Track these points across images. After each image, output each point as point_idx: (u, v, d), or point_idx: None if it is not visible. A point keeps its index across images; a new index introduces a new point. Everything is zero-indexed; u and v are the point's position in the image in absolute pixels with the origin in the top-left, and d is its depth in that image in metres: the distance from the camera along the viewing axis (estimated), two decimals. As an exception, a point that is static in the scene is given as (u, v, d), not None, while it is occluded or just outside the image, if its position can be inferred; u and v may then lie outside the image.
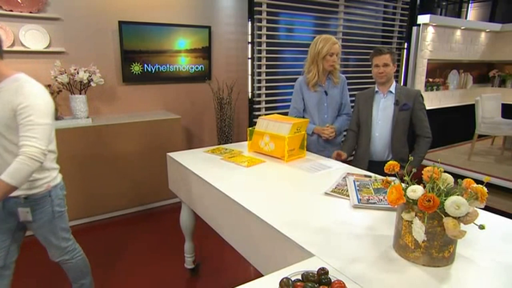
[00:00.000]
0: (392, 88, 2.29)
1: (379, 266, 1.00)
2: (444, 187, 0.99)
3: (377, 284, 0.92)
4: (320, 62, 2.34)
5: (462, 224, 0.93)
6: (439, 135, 5.26)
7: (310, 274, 0.89)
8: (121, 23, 3.13)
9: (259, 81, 3.96)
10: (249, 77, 3.89)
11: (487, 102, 4.54)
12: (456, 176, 1.02)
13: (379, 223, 1.27)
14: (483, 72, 6.13)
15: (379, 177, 1.70)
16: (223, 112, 3.71)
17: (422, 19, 4.79)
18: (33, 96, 1.44)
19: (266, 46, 3.87)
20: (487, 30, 5.74)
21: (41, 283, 2.26)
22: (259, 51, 3.85)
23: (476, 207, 0.96)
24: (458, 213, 0.91)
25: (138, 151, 3.14)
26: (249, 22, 3.72)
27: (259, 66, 3.88)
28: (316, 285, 0.85)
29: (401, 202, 0.99)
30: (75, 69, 2.84)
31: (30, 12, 2.77)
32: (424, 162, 2.29)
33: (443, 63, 5.38)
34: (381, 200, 1.43)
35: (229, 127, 3.76)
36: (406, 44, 4.99)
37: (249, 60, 3.83)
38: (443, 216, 0.93)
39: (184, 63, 3.55)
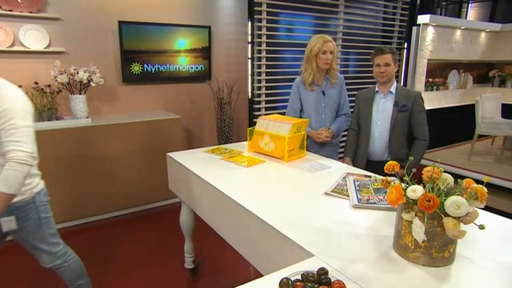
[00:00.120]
0: (393, 89, 2.29)
1: (379, 266, 1.00)
2: (444, 187, 0.99)
3: (377, 284, 0.92)
4: (313, 60, 2.35)
5: (462, 224, 0.93)
6: (439, 135, 5.28)
7: (310, 274, 0.89)
8: (121, 23, 3.13)
9: (259, 81, 3.96)
10: (249, 77, 3.89)
11: (487, 102, 4.55)
12: (456, 176, 1.02)
13: (379, 223, 1.27)
14: (483, 72, 6.13)
15: (379, 177, 1.70)
16: (223, 112, 3.71)
17: (422, 19, 4.79)
18: (10, 99, 1.36)
19: (266, 46, 3.87)
20: (487, 30, 5.74)
21: (34, 285, 2.26)
22: (259, 51, 3.85)
23: (476, 207, 0.96)
24: (458, 213, 0.91)
25: (138, 151, 3.14)
26: (249, 22, 3.72)
27: (259, 66, 3.88)
28: (315, 285, 0.85)
29: (401, 202, 0.99)
30: (75, 69, 2.84)
31: (30, 12, 2.77)
32: (424, 162, 2.29)
33: (443, 63, 5.38)
34: (381, 200, 1.43)
35: (229, 127, 3.76)
36: (406, 44, 4.99)
37: (249, 60, 3.83)
38: (443, 216, 0.93)
39: (184, 63, 3.55)
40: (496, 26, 5.71)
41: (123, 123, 3.03)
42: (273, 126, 2.08)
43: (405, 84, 5.05)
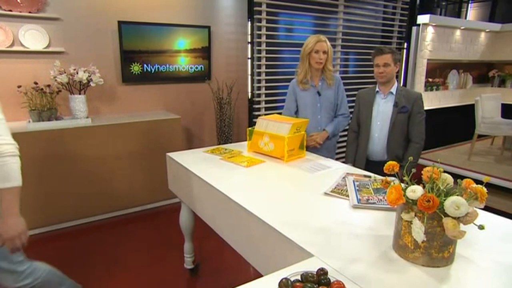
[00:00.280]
0: (393, 89, 2.29)
1: (378, 266, 1.00)
2: (444, 187, 0.99)
3: (376, 285, 0.92)
4: (306, 59, 2.37)
5: (461, 224, 0.93)
6: (439, 135, 5.28)
7: (310, 275, 0.89)
8: (120, 23, 3.13)
9: (259, 81, 3.96)
10: (249, 77, 3.89)
11: (487, 102, 4.55)
12: (456, 176, 1.02)
13: (379, 223, 1.27)
14: (482, 72, 6.14)
15: (378, 177, 1.70)
16: (222, 112, 3.71)
17: (422, 19, 4.79)
18: None
19: (266, 46, 3.87)
20: (487, 30, 5.74)
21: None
22: (259, 51, 3.85)
23: (475, 207, 0.96)
24: (457, 214, 0.91)
25: (138, 151, 3.14)
26: (249, 22, 3.72)
27: (259, 66, 3.88)
28: (315, 286, 0.84)
29: (401, 202, 0.99)
30: (74, 69, 2.84)
31: (30, 12, 2.77)
32: (424, 162, 2.29)
33: (443, 63, 5.38)
34: (381, 200, 1.43)
35: (228, 127, 3.76)
36: (405, 44, 4.99)
37: (249, 60, 3.83)
38: (443, 217, 0.93)
39: (184, 63, 3.55)
40: (496, 26, 5.71)
41: (123, 123, 3.03)
42: (273, 126, 2.08)
43: (404, 84, 5.05)
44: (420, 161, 2.34)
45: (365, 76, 4.69)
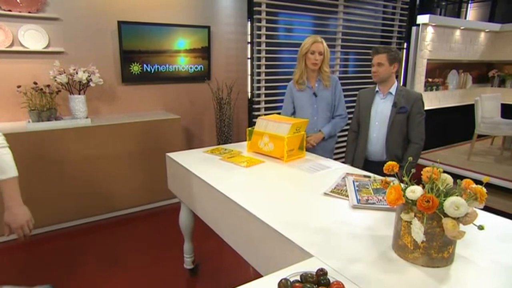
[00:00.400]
0: (393, 90, 2.28)
1: (378, 266, 1.00)
2: (443, 188, 0.99)
3: (376, 285, 0.92)
4: (302, 60, 2.38)
5: (461, 225, 0.93)
6: (439, 135, 5.28)
7: (309, 275, 0.89)
8: (120, 23, 3.13)
9: (259, 81, 3.96)
10: (249, 77, 3.89)
11: (487, 102, 4.55)
12: (456, 176, 1.02)
13: (378, 223, 1.27)
14: (482, 72, 6.14)
15: (378, 177, 1.70)
16: (222, 112, 3.71)
17: (422, 19, 4.79)
18: None
19: (266, 46, 3.87)
20: (487, 30, 5.74)
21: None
22: (259, 51, 3.85)
23: (475, 207, 0.96)
24: (457, 214, 0.91)
25: (138, 151, 3.14)
26: (249, 22, 3.72)
27: (259, 66, 3.88)
28: (314, 286, 0.84)
29: (400, 202, 0.99)
30: (74, 69, 2.84)
31: (29, 12, 2.77)
32: (424, 162, 2.29)
33: (443, 63, 5.38)
34: (380, 200, 1.43)
35: (228, 127, 3.76)
36: (405, 44, 4.99)
37: (249, 60, 3.83)
38: (442, 217, 0.93)
39: (184, 63, 3.55)
40: (496, 26, 5.71)
41: (122, 123, 3.03)
42: (273, 126, 2.08)
43: (404, 84, 5.05)
44: (420, 161, 2.34)
45: (365, 76, 4.69)
